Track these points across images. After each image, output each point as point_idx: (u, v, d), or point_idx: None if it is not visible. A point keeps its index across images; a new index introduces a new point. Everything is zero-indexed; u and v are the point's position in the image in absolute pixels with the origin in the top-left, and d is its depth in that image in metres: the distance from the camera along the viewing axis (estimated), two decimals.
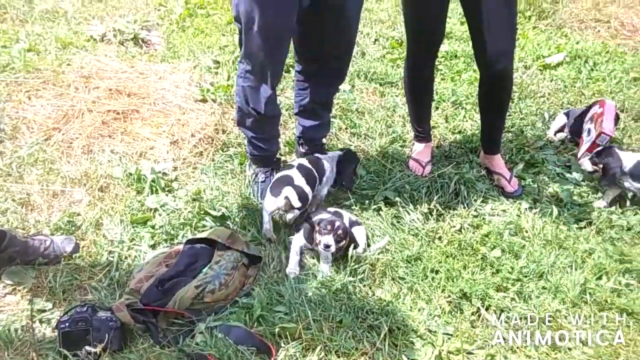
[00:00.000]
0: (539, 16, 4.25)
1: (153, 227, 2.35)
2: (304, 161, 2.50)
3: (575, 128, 2.95)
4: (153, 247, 2.28)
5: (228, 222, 2.39)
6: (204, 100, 3.17)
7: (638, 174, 2.34)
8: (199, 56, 3.64)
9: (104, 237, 2.31)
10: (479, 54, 2.45)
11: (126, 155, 2.74)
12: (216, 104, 3.14)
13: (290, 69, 3.18)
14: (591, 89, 3.40)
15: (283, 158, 2.83)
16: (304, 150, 2.72)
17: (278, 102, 2.76)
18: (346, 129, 3.11)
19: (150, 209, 2.43)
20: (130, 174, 2.59)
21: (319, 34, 2.32)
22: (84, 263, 2.20)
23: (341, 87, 3.42)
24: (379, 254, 2.31)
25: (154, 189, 2.52)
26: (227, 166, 2.74)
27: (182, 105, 3.10)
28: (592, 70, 3.60)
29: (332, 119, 3.05)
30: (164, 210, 2.41)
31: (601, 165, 2.46)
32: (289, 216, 2.38)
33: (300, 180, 2.36)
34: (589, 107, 2.92)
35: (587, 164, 2.49)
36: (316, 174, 2.48)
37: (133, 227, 2.35)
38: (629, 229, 2.45)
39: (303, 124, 2.66)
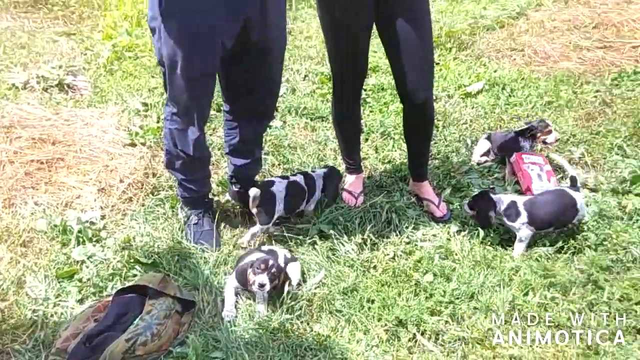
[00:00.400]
0: (459, 47, 4.47)
1: (80, 280, 2.26)
2: (300, 178, 2.65)
3: (507, 146, 3.11)
4: (81, 301, 2.19)
5: (159, 269, 2.33)
6: (133, 145, 3.12)
7: (510, 214, 2.52)
8: (127, 99, 3.60)
9: (27, 296, 2.20)
10: (400, 87, 2.55)
11: (51, 207, 2.64)
12: (145, 147, 3.11)
13: (221, 107, 3.20)
14: (509, 114, 3.58)
15: (216, 198, 2.82)
16: (236, 189, 2.72)
17: (210, 141, 2.76)
18: (279, 164, 3.14)
19: (77, 262, 2.35)
20: (55, 226, 2.50)
21: (245, 75, 2.35)
22: (7, 325, 2.08)
23: (272, 123, 3.49)
24: (315, 288, 2.32)
25: (81, 240, 2.44)
26: (158, 210, 2.70)
27: (109, 151, 3.04)
28: (509, 96, 3.80)
29: (264, 156, 3.08)
30: (91, 262, 2.34)
31: (476, 210, 2.61)
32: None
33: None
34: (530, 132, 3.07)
35: (466, 208, 2.64)
36: (307, 191, 2.63)
37: (59, 282, 2.26)
38: (551, 245, 2.57)
39: (234, 162, 2.66)
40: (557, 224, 2.58)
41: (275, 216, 2.55)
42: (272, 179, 2.69)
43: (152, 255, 2.37)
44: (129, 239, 2.46)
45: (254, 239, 2.56)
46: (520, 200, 2.57)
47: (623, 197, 2.85)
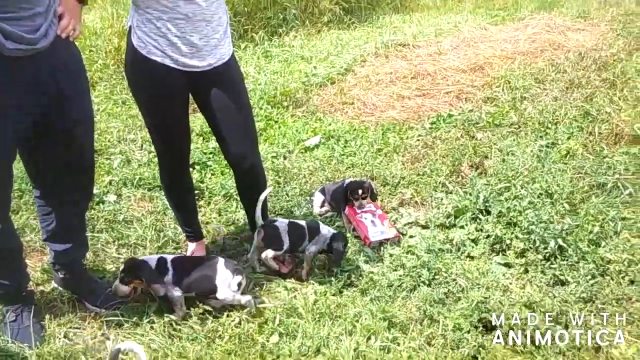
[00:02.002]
0: (295, 105, 4.65)
1: None
2: (302, 222, 2.78)
3: (337, 198, 3.23)
4: None
5: None
6: None
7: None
8: None
9: None
10: (226, 156, 2.57)
11: None
12: None
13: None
14: (345, 164, 3.76)
15: (40, 288, 2.56)
16: (62, 276, 2.49)
17: (22, 228, 2.52)
18: (114, 242, 2.95)
19: None
20: None
21: (50, 160, 2.17)
22: None
23: (106, 198, 3.32)
24: None
25: None
26: None
27: None
28: (344, 147, 4.01)
29: (96, 234, 2.89)
30: None
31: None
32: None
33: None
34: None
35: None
36: (307, 231, 2.72)
37: None
38: (389, 286, 2.67)
39: (55, 249, 2.42)
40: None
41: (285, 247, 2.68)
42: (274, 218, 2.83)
43: None
44: None
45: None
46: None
47: (449, 231, 3.09)
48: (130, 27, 2.28)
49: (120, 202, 3.31)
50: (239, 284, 2.44)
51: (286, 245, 2.70)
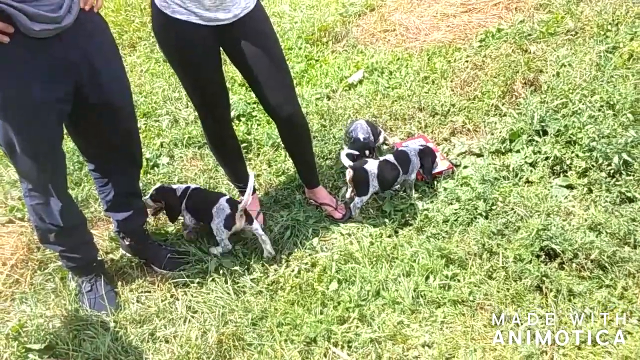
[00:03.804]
0: (335, 39, 4.49)
1: None
2: (390, 157, 2.83)
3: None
4: None
5: (56, 350, 2.21)
6: (11, 222, 2.93)
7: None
8: (1, 172, 3.38)
9: None
10: (265, 107, 2.52)
11: None
12: (25, 220, 2.93)
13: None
14: (391, 98, 3.63)
15: (110, 256, 2.71)
16: (127, 243, 2.62)
17: (86, 199, 2.64)
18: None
19: None
20: None
21: (95, 133, 2.23)
22: None
23: (159, 160, 3.40)
24: (224, 325, 2.27)
25: None
26: (48, 286, 2.55)
27: None
28: (389, 79, 3.86)
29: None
30: None
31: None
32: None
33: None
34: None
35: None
36: (399, 166, 2.79)
37: None
38: (445, 221, 2.63)
39: (117, 218, 2.54)
40: None
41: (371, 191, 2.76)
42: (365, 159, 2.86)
43: (46, 338, 2.24)
44: (21, 325, 2.31)
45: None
46: None
47: (505, 157, 2.97)
48: None
49: (174, 163, 3.38)
50: (228, 216, 2.55)
51: (373, 189, 2.76)
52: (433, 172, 2.92)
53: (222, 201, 2.58)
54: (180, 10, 2.17)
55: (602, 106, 2.92)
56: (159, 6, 2.20)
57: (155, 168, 3.34)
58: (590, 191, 2.64)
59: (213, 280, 2.47)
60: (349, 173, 2.76)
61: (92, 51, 2.02)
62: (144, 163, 3.30)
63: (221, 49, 2.38)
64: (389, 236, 2.61)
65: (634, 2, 3.71)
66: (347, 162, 2.74)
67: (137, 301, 2.48)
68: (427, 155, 2.86)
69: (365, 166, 2.75)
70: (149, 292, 2.51)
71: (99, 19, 2.10)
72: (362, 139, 3.04)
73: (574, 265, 2.29)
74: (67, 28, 1.88)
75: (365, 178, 2.73)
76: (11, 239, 2.80)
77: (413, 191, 2.86)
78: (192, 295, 2.44)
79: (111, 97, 2.14)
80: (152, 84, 4.21)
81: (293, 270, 2.51)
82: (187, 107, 3.93)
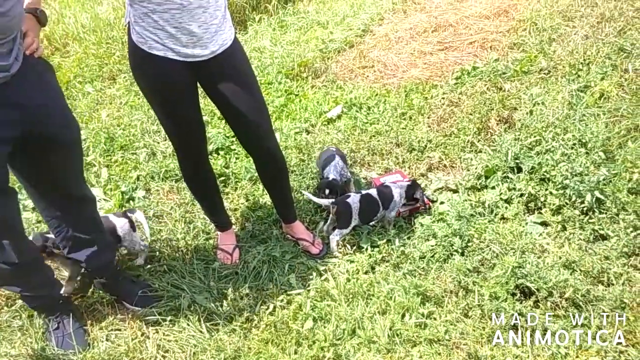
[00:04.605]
0: (314, 74, 4.55)
1: None
2: (373, 191, 2.86)
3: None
4: None
5: None
6: None
7: None
8: None
9: None
10: (240, 141, 2.52)
11: None
12: None
13: None
14: (369, 133, 3.67)
15: (80, 293, 2.63)
16: (99, 280, 2.55)
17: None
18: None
19: None
20: None
21: (42, 169, 2.13)
22: None
23: (135, 194, 3.36)
24: None
25: None
26: (14, 324, 2.47)
27: None
28: (367, 114, 3.90)
29: None
30: None
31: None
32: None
33: None
34: None
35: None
36: (381, 202, 2.83)
37: None
38: (422, 258, 2.63)
39: (80, 257, 2.42)
40: None
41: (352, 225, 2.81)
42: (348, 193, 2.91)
43: None
44: None
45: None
46: None
47: (480, 193, 2.99)
48: (128, 23, 2.24)
49: (150, 196, 3.34)
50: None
51: (354, 223, 2.81)
52: (410, 208, 2.93)
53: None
54: (157, 46, 2.17)
55: (574, 144, 2.98)
56: (136, 42, 2.21)
57: (131, 202, 3.30)
58: (564, 228, 2.67)
59: (186, 317, 2.42)
60: (333, 207, 2.79)
61: (38, 93, 1.96)
62: (119, 196, 3.27)
63: (198, 84, 2.39)
64: (366, 272, 2.60)
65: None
66: (321, 201, 2.79)
67: (107, 339, 2.41)
68: (417, 188, 2.94)
69: (348, 200, 2.78)
70: (119, 330, 2.45)
71: (43, 63, 2.05)
72: (330, 179, 3.03)
73: (548, 303, 2.29)
74: (15, 74, 1.86)
75: (349, 211, 2.76)
76: None
77: (391, 226, 2.86)
78: (163, 334, 2.38)
79: (58, 134, 2.06)
80: (131, 116, 4.20)
81: (268, 308, 2.48)
82: (165, 140, 3.91)
